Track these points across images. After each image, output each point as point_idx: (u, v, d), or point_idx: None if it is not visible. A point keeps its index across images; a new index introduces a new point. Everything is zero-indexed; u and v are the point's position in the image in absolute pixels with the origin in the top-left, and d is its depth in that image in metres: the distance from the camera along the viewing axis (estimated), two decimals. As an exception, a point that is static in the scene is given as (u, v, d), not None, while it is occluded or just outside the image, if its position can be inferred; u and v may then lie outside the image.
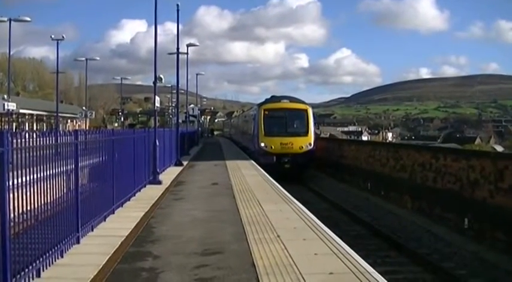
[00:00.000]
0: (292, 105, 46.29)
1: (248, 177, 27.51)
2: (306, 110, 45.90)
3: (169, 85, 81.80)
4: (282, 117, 45.29)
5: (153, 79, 28.11)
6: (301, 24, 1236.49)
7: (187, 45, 54.76)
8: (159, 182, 24.12)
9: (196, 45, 59.25)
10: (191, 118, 74.44)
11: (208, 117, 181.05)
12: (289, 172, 42.58)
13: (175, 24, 42.09)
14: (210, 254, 11.38)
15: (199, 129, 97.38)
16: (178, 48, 41.87)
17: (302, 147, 44.12)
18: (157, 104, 29.14)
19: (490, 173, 21.01)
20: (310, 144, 44.64)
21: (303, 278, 9.49)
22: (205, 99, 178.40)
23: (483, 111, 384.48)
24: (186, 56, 56.04)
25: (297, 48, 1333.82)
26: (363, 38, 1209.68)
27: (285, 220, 15.26)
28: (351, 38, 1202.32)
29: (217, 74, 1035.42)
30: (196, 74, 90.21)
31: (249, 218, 15.51)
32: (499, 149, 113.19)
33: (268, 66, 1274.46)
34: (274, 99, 49.15)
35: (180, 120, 50.44)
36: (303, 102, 47.35)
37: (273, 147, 43.93)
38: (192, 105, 79.94)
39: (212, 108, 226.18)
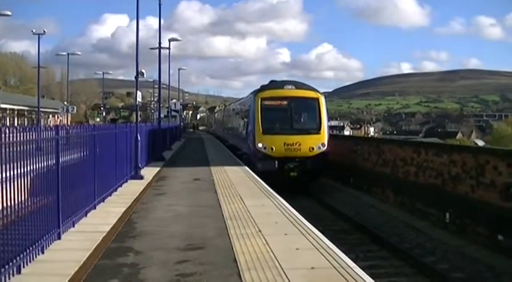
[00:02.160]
0: (299, 92, 34.58)
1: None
2: (317, 99, 34.31)
3: (152, 80, 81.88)
4: (285, 108, 34.10)
5: (135, 74, 27.98)
6: (283, 19, 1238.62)
7: (169, 40, 54.59)
8: (141, 177, 24.03)
9: (179, 40, 59.25)
10: (173, 113, 74.25)
11: (191, 112, 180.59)
12: (297, 182, 32.66)
13: (157, 19, 42.26)
14: (192, 249, 11.36)
15: (182, 124, 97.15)
16: (160, 43, 41.96)
17: (313, 148, 32.63)
18: (139, 99, 29.00)
19: (471, 168, 21.08)
20: (323, 144, 32.94)
21: (284, 273, 9.49)
22: (187, 94, 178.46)
23: (465, 106, 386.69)
24: (168, 50, 55.96)
25: (278, 43, 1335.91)
26: (344, 33, 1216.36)
27: (266, 215, 15.27)
28: (332, 33, 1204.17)
29: (199, 68, 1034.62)
30: (179, 69, 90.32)
31: (231, 213, 15.48)
32: (481, 143, 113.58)
33: (250, 61, 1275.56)
34: (274, 84, 37.11)
35: (162, 115, 50.29)
36: (313, 89, 35.49)
37: (274, 149, 32.49)
38: (174, 100, 79.83)
39: (194, 103, 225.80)
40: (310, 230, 13.18)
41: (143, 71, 28.78)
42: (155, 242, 12.09)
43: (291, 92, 34.59)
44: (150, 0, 39.83)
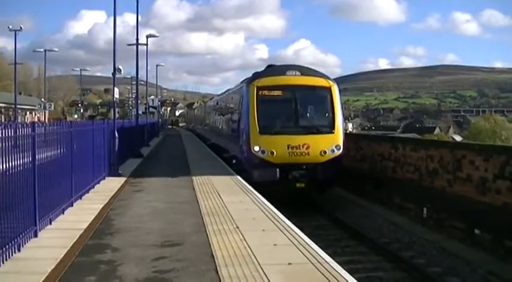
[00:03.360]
0: (305, 80, 27.19)
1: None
2: (329, 89, 27.00)
3: (129, 76, 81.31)
4: (289, 101, 26.93)
5: (112, 70, 27.90)
6: (260, 15, 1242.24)
7: (147, 36, 54.62)
8: (119, 174, 23.95)
9: (156, 36, 59.41)
10: (151, 109, 73.93)
11: (169, 109, 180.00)
12: (304, 195, 26.18)
13: (135, 15, 41.84)
14: (170, 245, 11.36)
15: (160, 120, 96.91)
16: (137, 39, 41.77)
17: (325, 152, 25.50)
18: (116, 96, 28.94)
19: (448, 163, 21.21)
20: (338, 146, 25.89)
21: (261, 268, 9.52)
22: (165, 91, 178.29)
23: (442, 101, 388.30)
24: (145, 47, 55.80)
25: (256, 39, 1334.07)
26: (321, 29, 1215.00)
27: (244, 211, 15.29)
28: (309, 28, 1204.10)
29: (177, 65, 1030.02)
30: (156, 65, 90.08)
31: (208, 209, 15.49)
32: (458, 138, 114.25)
33: (228, 57, 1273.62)
34: (273, 70, 28.99)
35: (140, 112, 50.16)
36: (324, 76, 28.00)
37: (275, 153, 25.33)
38: (152, 97, 79.18)
39: (172, 99, 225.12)
40: (288, 226, 13.24)
41: (120, 67, 28.65)
42: (133, 238, 12.06)
43: (295, 79, 27.04)
44: (128, -4, 39.36)
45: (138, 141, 39.63)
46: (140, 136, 41.90)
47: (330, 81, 27.35)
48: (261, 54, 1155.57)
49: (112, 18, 27.37)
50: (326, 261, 9.99)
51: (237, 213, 14.81)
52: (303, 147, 25.36)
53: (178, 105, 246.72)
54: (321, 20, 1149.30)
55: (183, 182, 22.14)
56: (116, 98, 29.35)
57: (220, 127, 41.59)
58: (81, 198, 17.15)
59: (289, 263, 9.84)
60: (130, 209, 15.94)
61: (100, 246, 11.30)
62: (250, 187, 20.30)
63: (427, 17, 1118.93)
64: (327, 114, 26.90)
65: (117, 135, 25.25)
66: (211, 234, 12.26)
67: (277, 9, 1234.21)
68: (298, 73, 27.19)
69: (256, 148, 25.49)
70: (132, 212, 15.47)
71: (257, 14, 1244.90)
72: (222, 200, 17.03)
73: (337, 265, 9.76)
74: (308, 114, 27.76)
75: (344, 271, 9.45)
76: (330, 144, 25.70)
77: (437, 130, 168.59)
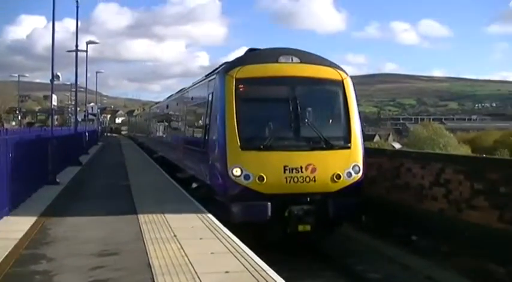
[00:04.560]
0: (308, 70, 18.78)
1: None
2: (341, 83, 18.79)
3: (69, 83, 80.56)
4: (284, 100, 18.48)
5: (51, 77, 27.61)
6: (201, 23, 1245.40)
7: (87, 43, 54.31)
8: (57, 182, 23.64)
9: (96, 43, 58.98)
10: (91, 116, 73.37)
11: (109, 116, 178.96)
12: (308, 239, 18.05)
13: (75, 21, 41.51)
14: (107, 255, 11.27)
15: (100, 128, 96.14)
16: (77, 46, 41.61)
17: (339, 176, 17.38)
18: (54, 103, 28.61)
19: (386, 170, 21.45)
20: (357, 167, 17.83)
21: (198, 277, 9.49)
22: (105, 98, 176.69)
23: (382, 109, 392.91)
24: (85, 53, 55.32)
25: (197, 46, 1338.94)
26: (262, 36, 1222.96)
27: (182, 220, 15.22)
28: (250, 36, 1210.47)
29: (118, 72, 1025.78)
30: (96, 72, 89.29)
31: (146, 218, 15.36)
32: (397, 146, 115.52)
33: (169, 65, 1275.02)
34: (260, 56, 19.74)
35: (79, 119, 49.71)
36: (333, 65, 19.44)
37: (265, 178, 16.83)
38: (91, 104, 78.66)
39: (112, 106, 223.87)
40: (226, 234, 13.24)
41: (59, 74, 28.42)
42: (69, 248, 11.92)
43: (292, 68, 18.56)
44: (68, 1, 39.02)
45: (77, 149, 39.14)
46: (79, 144, 41.41)
47: (342, 72, 19.01)
48: (202, 62, 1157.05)
49: (51, 23, 27.04)
50: (263, 269, 10.02)
51: (175, 222, 14.73)
52: (306, 169, 17.03)
53: (119, 113, 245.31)
54: (261, 27, 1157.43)
55: (122, 190, 21.95)
56: (54, 105, 29.00)
57: (173, 138, 32.27)
58: (17, 207, 16.81)
59: (226, 272, 9.83)
60: (67, 218, 15.75)
61: (35, 257, 11.15)
62: (188, 195, 20.30)
63: (366, 26, 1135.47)
64: (339, 121, 18.79)
65: (55, 143, 24.90)
66: (149, 243, 12.18)
67: (218, 17, 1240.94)
68: (296, 60, 18.70)
69: (237, 171, 16.83)
70: (69, 221, 15.32)
71: (198, 21, 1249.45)
72: (161, 209, 16.98)
73: (274, 273, 9.79)
74: (313, 121, 18.46)
75: (281, 279, 9.49)
76: (345, 164, 17.60)
77: (376, 138, 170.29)
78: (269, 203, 16.83)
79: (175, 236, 12.94)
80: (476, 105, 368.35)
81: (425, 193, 18.86)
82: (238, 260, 10.72)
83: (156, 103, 58.10)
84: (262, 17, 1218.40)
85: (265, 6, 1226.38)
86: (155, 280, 9.36)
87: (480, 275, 14.77)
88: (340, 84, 18.83)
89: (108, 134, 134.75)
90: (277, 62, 18.60)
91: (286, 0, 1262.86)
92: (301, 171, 17.07)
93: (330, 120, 19.29)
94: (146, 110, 75.09)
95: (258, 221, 16.88)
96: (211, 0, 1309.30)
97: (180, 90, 34.33)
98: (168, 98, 43.08)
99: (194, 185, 22.43)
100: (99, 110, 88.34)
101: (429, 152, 42.71)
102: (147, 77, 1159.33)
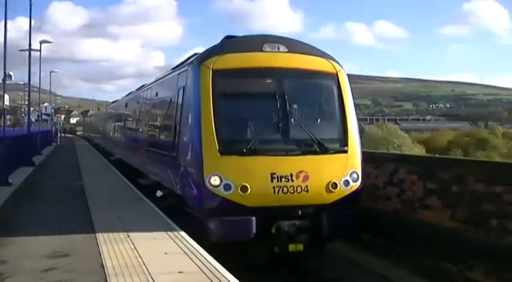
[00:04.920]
0: (298, 60, 16.30)
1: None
2: (335, 76, 16.46)
3: (22, 82, 79.44)
4: (270, 95, 15.75)
5: (3, 76, 27.34)
6: (156, 23, 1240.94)
7: (40, 42, 53.78)
8: (9, 183, 23.35)
9: (50, 42, 58.55)
10: (45, 117, 72.64)
11: (63, 116, 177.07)
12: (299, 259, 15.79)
13: (28, 19, 41.03)
14: (60, 256, 11.13)
15: (54, 128, 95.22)
16: (30, 45, 40.92)
17: (335, 185, 14.88)
18: (6, 103, 28.34)
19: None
20: (355, 174, 15.42)
21: (152, 278, 9.45)
22: (59, 98, 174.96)
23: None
24: (38, 52, 54.71)
25: (152, 46, 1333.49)
26: (218, 37, 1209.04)
27: (137, 220, 15.12)
28: (206, 36, 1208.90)
29: (72, 72, 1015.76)
30: (50, 72, 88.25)
31: (100, 218, 15.24)
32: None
33: (124, 64, 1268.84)
34: (240, 43, 16.95)
35: (33, 119, 49.22)
36: (325, 55, 16.96)
37: (249, 188, 14.15)
38: (45, 104, 77.90)
39: (67, 106, 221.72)
40: (180, 234, 13.24)
41: (11, 73, 28.23)
42: (22, 250, 11.76)
43: (279, 58, 16.00)
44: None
45: (30, 150, 38.71)
46: (32, 145, 40.97)
47: (335, 64, 16.68)
48: (157, 62, 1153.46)
49: (3, 21, 26.75)
50: (217, 269, 10.02)
51: (128, 222, 14.69)
52: (298, 177, 14.57)
53: (73, 113, 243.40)
54: (217, 28, 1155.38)
55: (75, 191, 21.74)
56: (7, 105, 28.75)
57: (133, 139, 29.10)
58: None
59: (180, 272, 9.82)
60: (19, 219, 15.60)
61: (-14, 258, 11.00)
62: (142, 195, 20.20)
63: (322, 27, 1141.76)
64: (334, 120, 16.37)
65: (5, 143, 24.65)
66: (102, 244, 12.11)
67: (174, 17, 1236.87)
68: (283, 48, 16.15)
69: (215, 180, 14.20)
70: (21, 222, 15.12)
71: (153, 21, 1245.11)
72: (115, 209, 16.84)
73: (228, 273, 9.82)
74: (304, 120, 16.07)
75: (234, 279, 9.53)
76: (342, 171, 15.23)
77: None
78: (254, 218, 14.26)
79: (128, 236, 12.89)
80: (431, 105, 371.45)
81: (379, 193, 19.00)
82: (192, 260, 10.69)
83: (113, 102, 53.12)
84: (218, 17, 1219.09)
85: (221, 6, 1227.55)
86: (108, 281, 9.30)
87: (433, 273, 14.93)
88: (334, 77, 16.42)
89: (63, 135, 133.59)
90: (261, 50, 15.90)
91: (241, 0, 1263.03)
92: (292, 180, 14.56)
93: (324, 120, 16.89)
94: (102, 110, 71.94)
95: (241, 239, 14.48)
96: (167, 0, 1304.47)
97: (141, 87, 30.83)
98: (127, 95, 39.35)
99: (159, 194, 19.84)
100: (53, 110, 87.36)
101: (383, 152, 43.04)
102: (102, 77, 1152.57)
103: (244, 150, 14.59)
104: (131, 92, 36.42)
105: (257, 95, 16.43)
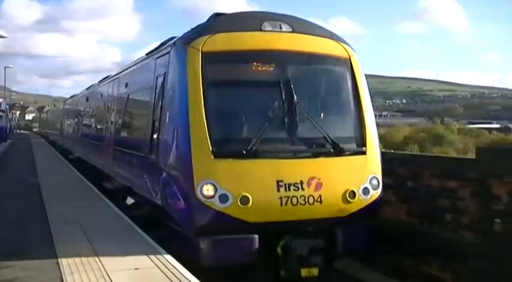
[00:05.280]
0: (304, 42, 13.39)
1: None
2: (347, 62, 13.71)
3: (-25, 79, 78.81)
4: (272, 84, 12.87)
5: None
6: (113, 18, 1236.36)
7: (-5, 37, 53.00)
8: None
9: (4, 37, 57.55)
10: (-2, 113, 71.85)
11: (18, 113, 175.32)
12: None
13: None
14: (14, 254, 10.97)
15: (9, 125, 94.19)
16: (-17, 40, 40.44)
17: (353, 193, 12.24)
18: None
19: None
20: (375, 180, 12.79)
21: (107, 274, 9.43)
22: (14, 94, 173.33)
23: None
24: (-8, 48, 54.11)
25: (108, 42, 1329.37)
26: (175, 31, 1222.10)
27: (94, 217, 14.95)
28: (163, 31, 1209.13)
29: (27, 67, 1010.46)
30: (5, 67, 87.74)
31: (56, 215, 15.06)
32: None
33: (80, 60, 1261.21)
34: (234, 21, 13.60)
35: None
36: (334, 36, 14.11)
37: (251, 199, 11.37)
38: (0, 100, 77.00)
39: (22, 103, 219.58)
40: (137, 231, 13.21)
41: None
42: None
43: (283, 39, 13.32)
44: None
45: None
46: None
47: (348, 47, 14.03)
48: (114, 58, 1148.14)
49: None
50: (173, 266, 10.07)
51: (85, 219, 14.44)
52: (309, 185, 11.95)
53: (29, 109, 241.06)
54: (174, 23, 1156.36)
55: (30, 187, 21.46)
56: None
57: (96, 137, 25.96)
58: None
59: (136, 268, 9.80)
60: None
61: None
62: (99, 192, 20.06)
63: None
64: (349, 114, 13.57)
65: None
66: (58, 241, 11.98)
67: (130, 12, 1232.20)
68: (287, 28, 13.35)
69: (208, 189, 11.44)
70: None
71: (110, 16, 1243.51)
72: (71, 206, 16.68)
73: (184, 269, 9.87)
74: (314, 114, 13.11)
75: (190, 275, 9.58)
76: (361, 176, 12.67)
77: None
78: (256, 236, 11.67)
79: (85, 234, 12.79)
80: (387, 101, 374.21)
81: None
82: (148, 256, 10.67)
83: (72, 96, 47.76)
84: (174, 12, 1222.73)
85: (177, 2, 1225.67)
86: (64, 279, 9.26)
87: (390, 268, 15.06)
88: (347, 63, 13.79)
89: (18, 131, 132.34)
90: (260, 30, 13.12)
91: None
92: (302, 188, 11.88)
93: (336, 114, 13.90)
94: (59, 105, 67.62)
95: (240, 262, 11.79)
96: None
97: (105, 78, 27.47)
98: (88, 88, 35.11)
99: (130, 201, 17.55)
100: (7, 106, 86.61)
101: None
102: (58, 72, 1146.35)
103: (244, 152, 11.82)
104: (93, 85, 32.71)
105: (257, 83, 13.35)
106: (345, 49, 13.80)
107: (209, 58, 12.32)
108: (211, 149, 11.56)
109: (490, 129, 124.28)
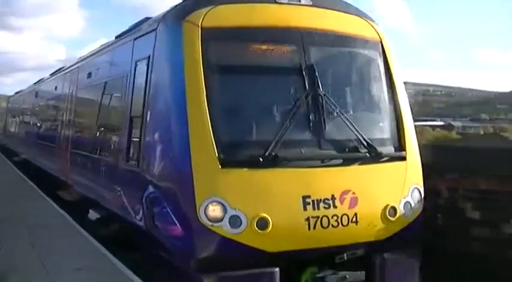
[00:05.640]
0: (329, 18, 10.57)
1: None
2: (378, 45, 10.90)
3: None
4: (290, 70, 9.89)
5: None
6: (58, 15, 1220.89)
7: None
8: None
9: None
10: None
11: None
12: None
13: None
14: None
15: None
16: None
17: (394, 210, 9.55)
18: None
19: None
20: (417, 193, 10.09)
21: (48, 275, 9.48)
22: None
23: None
24: None
25: (53, 39, 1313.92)
26: (122, 28, 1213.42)
27: (34, 217, 14.77)
28: (109, 29, 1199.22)
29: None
30: None
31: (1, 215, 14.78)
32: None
33: (23, 57, 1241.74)
34: None
35: None
36: (361, 14, 11.26)
37: (270, 222, 8.65)
38: None
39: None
40: (81, 232, 13.18)
41: None
42: None
43: (304, 14, 10.32)
44: None
45: None
46: None
47: (377, 27, 11.33)
48: (58, 55, 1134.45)
49: None
50: (116, 266, 10.21)
51: (27, 218, 14.39)
52: (342, 201, 9.31)
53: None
54: (121, 19, 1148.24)
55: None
56: None
57: (50, 137, 22.05)
58: None
59: (78, 269, 9.83)
60: None
61: None
62: (42, 193, 19.75)
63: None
64: (383, 109, 10.90)
65: None
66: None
67: (75, 10, 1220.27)
68: (306, 0, 10.54)
69: (214, 210, 8.69)
70: None
71: (54, 13, 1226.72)
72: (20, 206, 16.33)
73: (127, 270, 10.00)
74: (344, 110, 10.17)
75: (134, 275, 9.70)
76: (401, 187, 10.08)
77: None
78: (277, 271, 8.91)
79: (29, 233, 12.77)
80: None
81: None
82: (90, 257, 10.70)
83: (18, 92, 43.56)
84: (120, 10, 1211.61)
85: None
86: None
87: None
88: (378, 46, 11.06)
89: None
90: (275, 1, 10.20)
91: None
92: (334, 206, 9.19)
93: (369, 109, 11.06)
94: (1, 103, 62.39)
95: None
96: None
97: (60, 69, 23.57)
98: (38, 82, 30.98)
99: (94, 216, 13.67)
100: None
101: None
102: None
103: (261, 159, 8.98)
104: (43, 79, 28.81)
105: (272, 69, 10.24)
106: (375, 30, 11.14)
107: (211, 35, 9.48)
108: (217, 155, 8.84)
109: (433, 127, 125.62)
